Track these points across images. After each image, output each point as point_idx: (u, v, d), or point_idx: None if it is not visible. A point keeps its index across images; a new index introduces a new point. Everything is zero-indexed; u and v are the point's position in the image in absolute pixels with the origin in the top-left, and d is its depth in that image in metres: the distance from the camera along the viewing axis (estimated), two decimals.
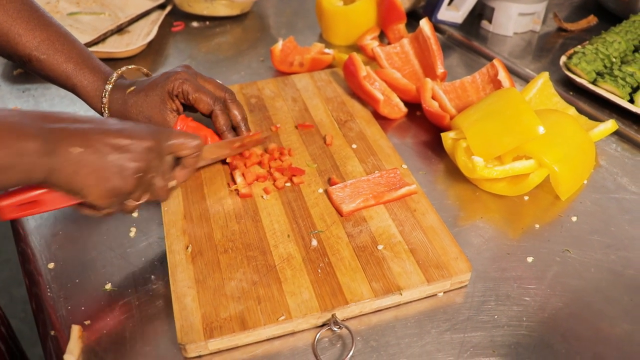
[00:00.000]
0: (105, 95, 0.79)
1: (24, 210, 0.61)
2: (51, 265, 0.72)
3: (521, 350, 0.63)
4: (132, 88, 0.80)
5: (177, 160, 0.70)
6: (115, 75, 0.80)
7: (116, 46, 1.18)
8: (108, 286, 0.70)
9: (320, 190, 0.79)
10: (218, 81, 0.84)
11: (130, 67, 0.83)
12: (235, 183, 0.79)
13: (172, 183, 0.70)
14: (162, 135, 0.66)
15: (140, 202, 0.66)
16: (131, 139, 0.61)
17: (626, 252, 0.74)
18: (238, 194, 0.77)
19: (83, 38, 1.14)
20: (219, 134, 0.82)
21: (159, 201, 0.70)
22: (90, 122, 0.60)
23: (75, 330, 0.64)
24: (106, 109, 0.80)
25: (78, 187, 0.59)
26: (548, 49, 1.20)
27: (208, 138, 0.81)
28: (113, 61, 1.15)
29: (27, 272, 0.75)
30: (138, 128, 0.64)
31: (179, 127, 0.80)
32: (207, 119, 0.83)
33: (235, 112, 0.83)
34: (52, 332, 0.66)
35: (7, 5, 0.76)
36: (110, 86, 0.79)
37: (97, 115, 0.82)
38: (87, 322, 0.66)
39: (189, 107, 0.82)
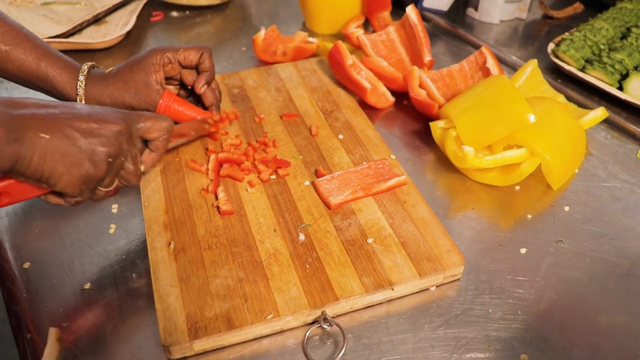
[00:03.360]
0: (82, 73, 0.77)
1: None
2: (27, 265, 0.69)
3: (517, 344, 0.61)
4: (110, 69, 0.80)
5: (145, 144, 0.70)
6: (89, 63, 0.79)
7: (93, 37, 1.14)
8: (87, 285, 0.67)
9: (307, 183, 0.76)
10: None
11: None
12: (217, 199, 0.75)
13: (142, 167, 0.69)
14: (131, 119, 0.65)
15: (111, 188, 0.65)
16: (101, 123, 0.60)
17: (620, 241, 0.73)
18: (219, 210, 0.73)
19: (58, 29, 1.10)
20: (206, 87, 0.83)
21: (129, 186, 0.68)
22: (57, 107, 0.58)
23: (53, 333, 0.61)
24: (83, 89, 0.77)
25: (47, 175, 0.56)
26: (534, 36, 1.19)
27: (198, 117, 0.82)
28: (90, 52, 1.11)
29: (1, 273, 0.71)
30: (107, 111, 0.62)
31: (163, 102, 0.80)
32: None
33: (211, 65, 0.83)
34: (29, 336, 0.63)
35: None
36: (85, 69, 0.77)
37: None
38: (65, 324, 0.63)
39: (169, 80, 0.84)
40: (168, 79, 0.84)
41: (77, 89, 0.77)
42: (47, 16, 1.15)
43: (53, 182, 0.57)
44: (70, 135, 0.57)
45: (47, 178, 0.57)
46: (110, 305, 0.65)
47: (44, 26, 1.12)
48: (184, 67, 0.83)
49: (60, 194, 0.61)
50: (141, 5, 1.22)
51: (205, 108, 0.85)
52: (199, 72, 0.83)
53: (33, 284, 0.67)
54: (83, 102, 0.77)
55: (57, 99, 0.79)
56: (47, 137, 0.55)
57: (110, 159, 0.61)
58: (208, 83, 0.83)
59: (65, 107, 0.59)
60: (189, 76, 0.84)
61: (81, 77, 0.77)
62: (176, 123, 0.77)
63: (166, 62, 0.80)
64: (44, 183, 0.57)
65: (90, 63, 0.79)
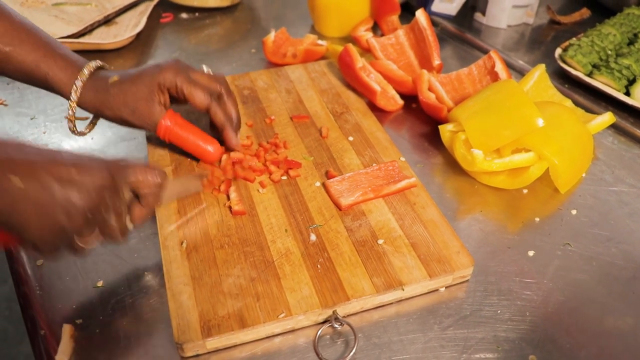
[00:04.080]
0: (81, 77, 0.74)
1: None
2: (39, 263, 0.70)
3: (525, 345, 0.62)
4: (115, 78, 0.75)
5: (136, 198, 0.63)
6: (93, 63, 0.75)
7: (104, 37, 1.15)
8: (100, 283, 0.67)
9: (318, 184, 0.77)
10: (210, 72, 0.81)
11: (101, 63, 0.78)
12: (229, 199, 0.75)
13: (129, 224, 0.62)
14: (120, 171, 0.59)
15: (93, 244, 0.59)
16: (83, 173, 0.54)
17: (626, 245, 0.73)
18: (231, 211, 0.73)
19: (69, 29, 1.11)
20: (220, 130, 0.79)
21: (114, 243, 0.63)
22: (39, 153, 0.54)
23: (67, 329, 0.62)
24: (77, 95, 0.74)
25: (15, 223, 0.52)
26: (541, 41, 1.19)
27: (208, 147, 0.78)
28: (100, 53, 1.12)
29: (14, 271, 0.72)
30: (93, 162, 0.57)
31: (166, 122, 0.76)
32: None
33: (229, 107, 0.79)
34: (42, 332, 0.63)
35: None
36: (87, 72, 0.74)
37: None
38: (78, 321, 0.63)
39: (175, 101, 0.78)
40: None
41: (70, 95, 0.74)
42: (58, 17, 1.16)
43: (22, 231, 0.53)
44: (45, 183, 0.52)
45: (16, 225, 0.52)
46: (123, 303, 0.65)
47: (55, 27, 1.13)
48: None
49: (32, 245, 0.55)
50: (151, 7, 1.23)
51: (214, 129, 0.80)
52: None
53: (46, 281, 0.68)
54: (75, 108, 0.75)
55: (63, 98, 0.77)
56: (20, 183, 0.51)
57: (89, 214, 0.55)
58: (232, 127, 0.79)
59: (48, 152, 0.55)
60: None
61: (79, 83, 0.73)
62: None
63: (172, 86, 0.75)
64: (14, 231, 0.53)
65: (94, 65, 0.75)
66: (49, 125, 0.94)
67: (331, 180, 0.76)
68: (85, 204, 0.54)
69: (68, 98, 0.75)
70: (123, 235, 0.61)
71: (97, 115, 0.78)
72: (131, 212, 0.62)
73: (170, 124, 0.76)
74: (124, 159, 0.62)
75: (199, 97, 0.75)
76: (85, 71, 0.74)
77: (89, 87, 0.74)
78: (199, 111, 0.78)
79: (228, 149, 0.80)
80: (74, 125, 0.79)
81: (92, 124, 0.81)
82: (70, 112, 0.76)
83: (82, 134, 0.81)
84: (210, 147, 0.78)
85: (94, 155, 0.59)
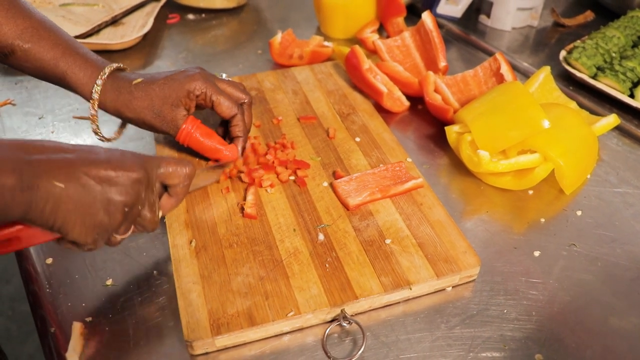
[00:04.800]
0: (102, 76, 0.74)
1: None
2: (49, 261, 0.71)
3: (531, 344, 0.62)
4: (139, 80, 0.76)
5: (165, 188, 0.65)
6: (114, 65, 0.76)
7: (111, 38, 1.15)
8: (109, 282, 0.68)
9: (325, 184, 0.78)
10: (236, 82, 0.82)
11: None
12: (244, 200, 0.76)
13: (160, 213, 0.64)
14: (151, 164, 0.61)
15: (127, 235, 0.61)
16: (119, 170, 0.56)
17: (631, 246, 0.74)
18: (242, 212, 0.74)
19: (76, 29, 1.12)
20: (234, 139, 0.81)
21: (145, 232, 0.64)
22: (74, 152, 0.54)
23: (77, 327, 0.63)
24: (98, 94, 0.74)
25: (59, 224, 0.53)
26: (545, 43, 1.20)
27: (222, 149, 0.80)
28: (108, 53, 1.12)
29: (23, 270, 0.72)
30: (126, 157, 0.58)
31: (188, 127, 0.77)
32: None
33: (249, 117, 0.82)
34: (52, 330, 0.64)
35: None
36: (109, 71, 0.75)
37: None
38: (88, 319, 0.64)
39: (198, 108, 0.80)
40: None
41: (92, 93, 0.74)
42: (66, 17, 1.17)
43: (65, 232, 0.54)
44: (85, 184, 0.53)
45: (59, 227, 0.53)
46: (132, 301, 0.66)
47: (63, 27, 1.11)
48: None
49: (74, 242, 0.57)
50: (158, 8, 1.24)
51: (223, 130, 0.84)
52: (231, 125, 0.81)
53: (55, 279, 0.69)
54: (96, 107, 0.75)
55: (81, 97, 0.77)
56: (62, 185, 0.51)
57: (126, 209, 0.57)
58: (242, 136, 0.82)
59: (83, 152, 0.55)
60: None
61: (99, 82, 0.74)
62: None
63: (202, 94, 0.77)
64: (55, 231, 0.54)
65: (115, 65, 0.76)
66: (57, 125, 0.94)
67: (339, 180, 0.77)
68: (124, 200, 0.56)
69: (87, 97, 0.75)
70: (154, 225, 0.63)
71: (116, 116, 0.77)
72: (160, 202, 0.64)
73: (192, 128, 0.78)
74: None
75: (227, 107, 0.78)
76: (107, 70, 0.75)
77: (109, 87, 0.75)
78: (222, 118, 0.80)
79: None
80: (97, 127, 0.79)
81: (121, 129, 0.82)
82: (92, 111, 0.76)
83: (110, 139, 0.81)
84: (228, 152, 0.80)
85: (125, 151, 0.60)
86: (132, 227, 0.62)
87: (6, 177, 0.48)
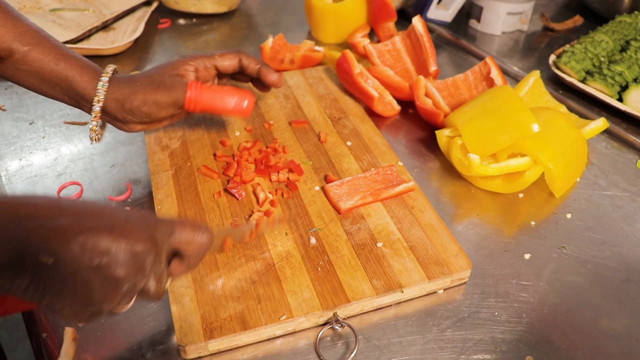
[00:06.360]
0: (107, 74, 0.74)
1: None
2: None
3: (522, 346, 0.63)
4: (136, 72, 0.79)
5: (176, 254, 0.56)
6: (113, 65, 0.76)
7: (102, 43, 1.15)
8: None
9: (317, 188, 0.78)
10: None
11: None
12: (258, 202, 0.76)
13: (168, 282, 0.56)
14: (162, 231, 0.52)
15: (128, 307, 0.53)
16: (122, 240, 0.47)
17: (620, 248, 0.75)
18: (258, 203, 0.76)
19: (67, 35, 1.12)
20: (256, 74, 0.83)
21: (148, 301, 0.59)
22: (72, 215, 0.47)
23: (69, 332, 0.62)
24: (105, 90, 0.73)
25: (45, 303, 0.47)
26: (535, 48, 1.21)
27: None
28: (99, 58, 1.12)
29: None
30: (132, 223, 0.49)
31: (192, 90, 0.76)
32: None
33: (253, 62, 0.83)
34: (44, 335, 0.64)
35: None
36: (110, 71, 0.75)
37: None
38: (80, 324, 0.64)
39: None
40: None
41: (97, 90, 0.73)
42: (56, 22, 1.17)
43: (53, 310, 0.48)
44: (79, 258, 0.45)
45: (46, 306, 0.47)
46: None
47: (53, 32, 1.13)
48: (221, 74, 0.83)
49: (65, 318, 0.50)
50: (149, 13, 1.24)
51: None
52: (243, 74, 0.84)
53: None
54: (101, 104, 0.74)
55: (78, 101, 0.76)
56: (50, 262, 0.44)
57: (127, 285, 0.49)
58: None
59: (84, 213, 0.48)
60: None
61: (104, 78, 0.74)
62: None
63: (201, 68, 0.79)
64: (46, 309, 0.49)
65: (114, 66, 0.76)
66: (48, 130, 0.94)
67: (330, 184, 0.77)
68: (124, 277, 0.48)
69: (88, 96, 0.74)
70: (161, 296, 0.55)
71: (116, 111, 0.76)
72: (170, 267, 0.55)
73: (197, 92, 0.76)
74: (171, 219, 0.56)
75: (228, 57, 0.81)
76: (108, 69, 0.75)
77: (112, 85, 0.74)
78: (225, 72, 0.83)
79: (271, 85, 0.84)
80: (97, 125, 0.77)
81: (101, 130, 0.80)
82: (97, 108, 0.75)
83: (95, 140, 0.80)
84: (240, 96, 0.78)
85: (134, 212, 0.51)
86: (134, 299, 0.53)
87: None
